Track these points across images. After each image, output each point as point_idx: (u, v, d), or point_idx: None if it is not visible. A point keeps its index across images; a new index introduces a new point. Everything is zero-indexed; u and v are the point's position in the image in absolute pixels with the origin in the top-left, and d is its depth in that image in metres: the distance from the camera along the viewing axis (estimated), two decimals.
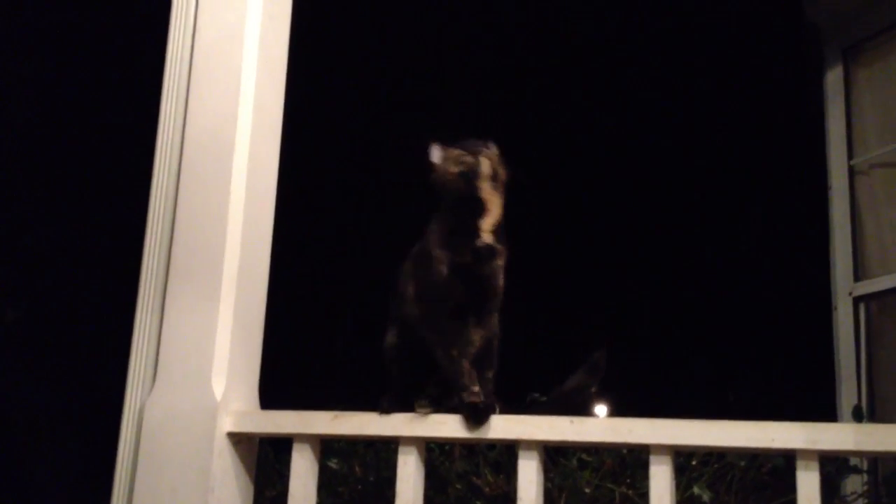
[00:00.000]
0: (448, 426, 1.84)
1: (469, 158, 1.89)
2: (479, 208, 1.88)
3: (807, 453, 1.64)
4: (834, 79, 4.07)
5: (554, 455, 2.29)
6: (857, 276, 3.80)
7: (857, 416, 2.43)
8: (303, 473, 1.87)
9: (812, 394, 3.90)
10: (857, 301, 3.76)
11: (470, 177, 1.87)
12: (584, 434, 1.81)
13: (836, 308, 3.81)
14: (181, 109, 2.14)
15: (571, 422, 1.81)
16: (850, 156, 3.96)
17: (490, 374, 1.91)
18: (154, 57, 2.22)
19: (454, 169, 1.89)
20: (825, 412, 3.61)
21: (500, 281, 1.93)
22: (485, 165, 1.88)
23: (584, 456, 2.35)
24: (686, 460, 2.26)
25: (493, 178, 1.89)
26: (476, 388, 1.82)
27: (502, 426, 1.82)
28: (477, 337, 1.89)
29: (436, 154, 1.94)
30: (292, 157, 2.21)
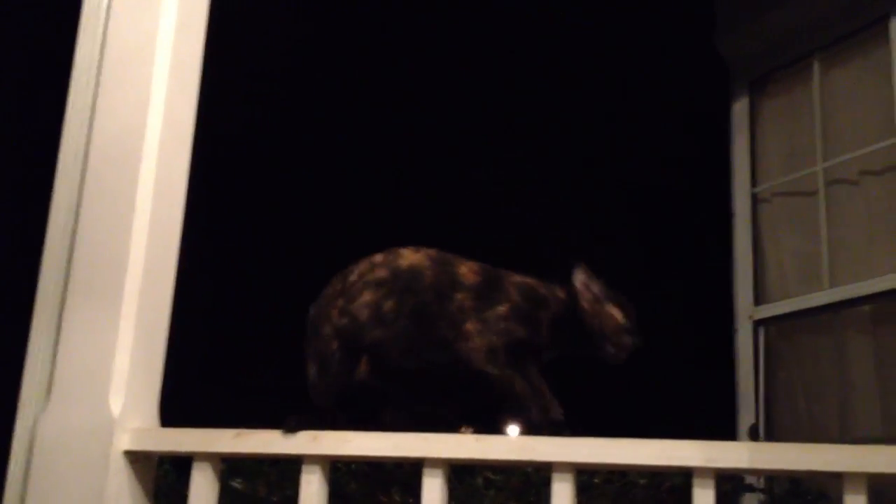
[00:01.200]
0: (353, 444, 1.82)
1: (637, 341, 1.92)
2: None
3: (704, 471, 1.68)
4: (740, 110, 4.21)
5: (460, 474, 2.30)
6: (758, 300, 3.92)
7: (753, 435, 2.50)
8: (203, 493, 1.83)
9: (714, 414, 4.00)
10: (756, 324, 3.88)
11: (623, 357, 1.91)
12: (488, 452, 1.82)
13: (737, 331, 3.93)
14: (87, 119, 2.08)
15: (477, 440, 1.81)
16: (754, 184, 4.09)
17: None
18: (60, 64, 2.16)
19: (625, 340, 1.90)
20: (726, 432, 3.71)
21: None
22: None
23: (489, 475, 2.36)
24: (590, 479, 2.30)
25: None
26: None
27: (408, 444, 1.81)
28: None
29: (580, 281, 1.92)
30: (203, 170, 2.17)
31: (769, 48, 4.08)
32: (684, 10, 4.39)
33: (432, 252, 1.94)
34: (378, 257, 1.93)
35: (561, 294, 1.92)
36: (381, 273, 1.90)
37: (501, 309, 1.87)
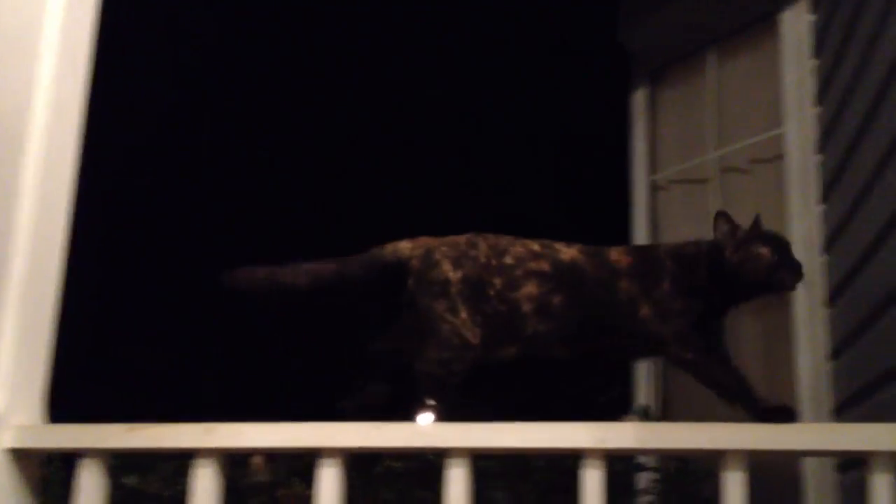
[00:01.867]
0: (247, 436, 1.80)
1: (777, 254, 1.81)
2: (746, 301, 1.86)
3: (594, 452, 1.71)
4: (640, 99, 4.30)
5: (363, 462, 2.30)
6: None
7: (643, 415, 2.56)
8: (90, 491, 1.78)
9: (612, 394, 4.08)
10: None
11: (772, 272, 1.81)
12: (386, 440, 1.82)
13: None
14: None
15: (375, 428, 1.81)
16: (653, 171, 4.19)
17: None
18: None
19: (764, 262, 1.80)
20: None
21: None
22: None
23: (391, 463, 2.37)
24: (488, 463, 2.32)
25: None
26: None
27: (303, 434, 1.80)
28: None
29: (721, 233, 1.86)
30: (94, 156, 2.11)
31: (668, 40, 4.18)
32: (588, 2, 4.46)
33: (580, 245, 1.92)
34: (535, 245, 1.89)
35: (705, 248, 1.86)
36: (544, 265, 1.86)
37: (665, 284, 1.83)
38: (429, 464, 2.37)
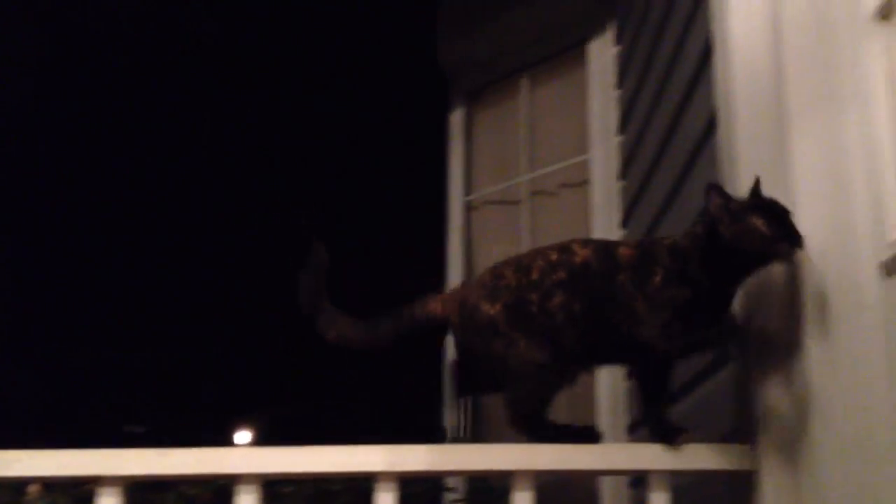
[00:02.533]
0: (22, 465, 1.69)
1: (775, 229, 1.67)
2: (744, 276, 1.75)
3: (387, 475, 1.71)
4: (457, 120, 4.37)
5: (149, 490, 2.20)
6: None
7: (441, 438, 2.59)
8: None
9: (424, 416, 4.12)
10: None
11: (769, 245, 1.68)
12: (172, 467, 1.76)
13: (448, 336, 4.06)
14: None
15: (160, 454, 1.74)
16: (468, 192, 4.26)
17: None
18: None
19: (763, 232, 1.67)
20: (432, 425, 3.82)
21: None
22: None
23: (183, 489, 2.28)
24: (282, 486, 2.28)
25: None
26: None
27: (81, 462, 1.71)
28: None
29: (715, 206, 1.72)
30: None
31: (485, 62, 4.26)
32: (407, 21, 4.49)
33: (597, 241, 1.91)
34: (553, 255, 1.86)
35: (699, 229, 1.77)
36: (562, 274, 1.83)
37: (657, 278, 1.77)
38: (225, 490, 2.29)
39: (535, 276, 1.84)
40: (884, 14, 1.69)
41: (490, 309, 1.84)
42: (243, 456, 1.74)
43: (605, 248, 1.87)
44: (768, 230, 1.66)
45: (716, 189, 1.74)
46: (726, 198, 1.73)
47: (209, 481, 2.27)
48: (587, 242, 1.90)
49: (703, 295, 1.74)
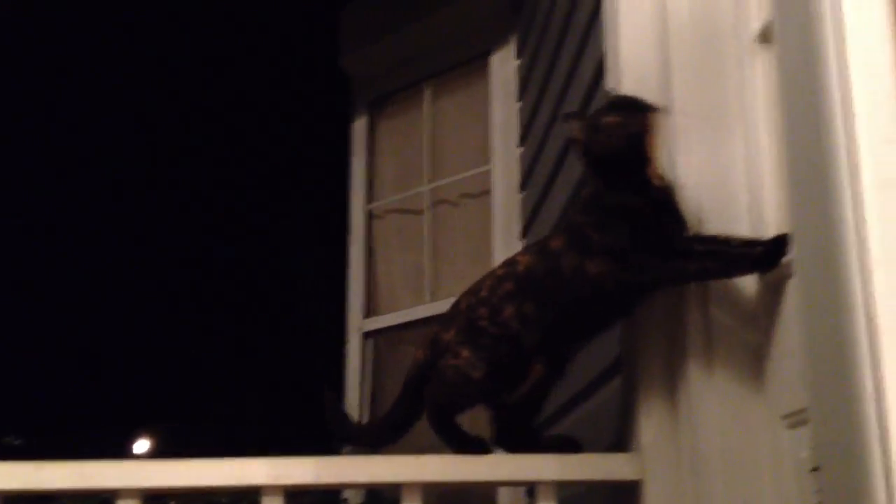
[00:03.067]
0: None
1: (624, 117, 1.73)
2: (643, 162, 1.74)
3: (272, 489, 1.68)
4: (360, 128, 4.34)
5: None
6: (369, 313, 4.07)
7: (337, 448, 2.57)
8: None
9: (322, 426, 4.07)
10: (366, 336, 4.02)
11: (637, 134, 1.73)
12: (50, 481, 1.69)
13: (348, 342, 4.04)
14: None
15: (36, 468, 1.68)
16: (370, 200, 4.24)
17: None
18: None
19: (620, 132, 1.73)
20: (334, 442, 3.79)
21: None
22: (654, 122, 1.74)
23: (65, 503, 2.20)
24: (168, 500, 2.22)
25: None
26: None
27: None
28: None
29: (575, 128, 1.79)
30: None
31: (388, 70, 4.24)
32: (310, 28, 4.45)
33: (534, 245, 1.99)
34: (500, 270, 1.95)
35: (585, 170, 1.86)
36: (508, 286, 1.89)
37: (595, 237, 1.79)
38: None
39: (483, 293, 1.92)
40: (765, 37, 1.75)
41: (445, 333, 1.93)
42: (123, 470, 1.68)
43: (541, 248, 1.94)
44: (621, 118, 1.74)
45: (567, 115, 1.86)
46: (582, 116, 1.84)
47: (90, 496, 2.20)
48: (527, 250, 2.02)
49: (645, 218, 1.76)
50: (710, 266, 1.70)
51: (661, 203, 1.75)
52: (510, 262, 1.95)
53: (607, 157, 1.77)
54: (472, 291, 1.96)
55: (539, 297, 1.85)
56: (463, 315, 1.93)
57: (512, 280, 1.90)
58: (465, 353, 1.88)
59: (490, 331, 1.87)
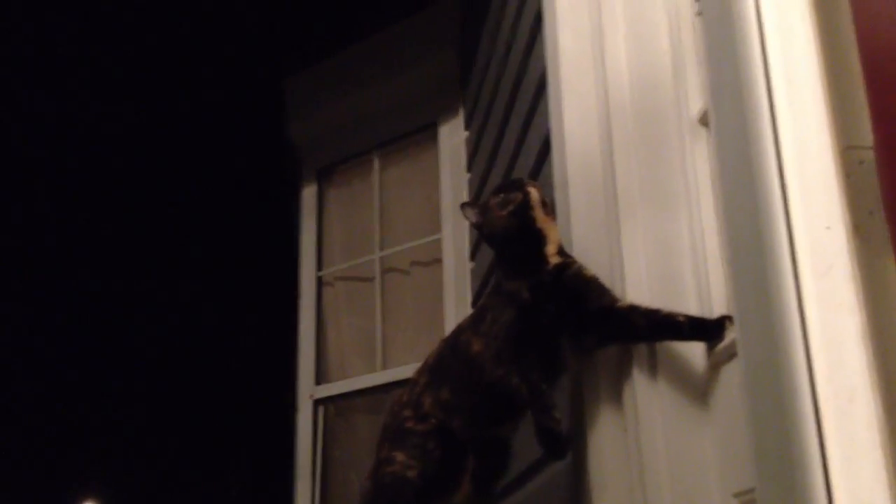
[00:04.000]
0: None
1: (515, 194, 1.83)
2: (538, 238, 1.80)
3: None
4: (308, 196, 4.36)
5: None
6: (319, 380, 4.04)
7: None
8: None
9: (273, 493, 4.02)
10: (316, 403, 3.99)
11: (523, 210, 1.81)
12: None
13: (298, 410, 4.01)
14: None
15: None
16: (319, 267, 4.24)
17: None
18: None
19: (504, 210, 1.82)
20: None
21: (591, 273, 1.82)
22: (535, 195, 1.83)
23: None
24: None
25: (544, 203, 1.84)
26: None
27: None
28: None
29: (470, 214, 1.90)
30: None
31: (335, 139, 4.28)
32: (256, 98, 4.48)
33: (445, 336, 2.02)
34: (417, 369, 1.99)
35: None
36: (424, 379, 1.93)
37: (487, 316, 1.84)
38: None
39: (405, 397, 1.96)
40: (706, 119, 1.81)
41: (382, 452, 1.94)
42: None
43: (454, 332, 1.97)
44: (502, 195, 1.86)
45: (464, 206, 1.95)
46: (474, 203, 1.95)
47: None
48: (441, 340, 2.03)
49: (528, 310, 1.78)
50: (640, 325, 1.71)
51: (558, 284, 1.78)
52: (426, 359, 2.01)
53: (498, 236, 1.87)
54: (395, 402, 1.99)
55: (450, 382, 1.88)
56: (391, 426, 1.95)
57: (426, 372, 1.94)
58: (400, 456, 1.87)
59: (417, 429, 1.88)
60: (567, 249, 1.91)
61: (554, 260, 1.81)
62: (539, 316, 1.77)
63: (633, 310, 1.72)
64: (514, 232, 1.83)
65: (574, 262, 1.82)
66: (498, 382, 1.77)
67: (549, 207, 1.87)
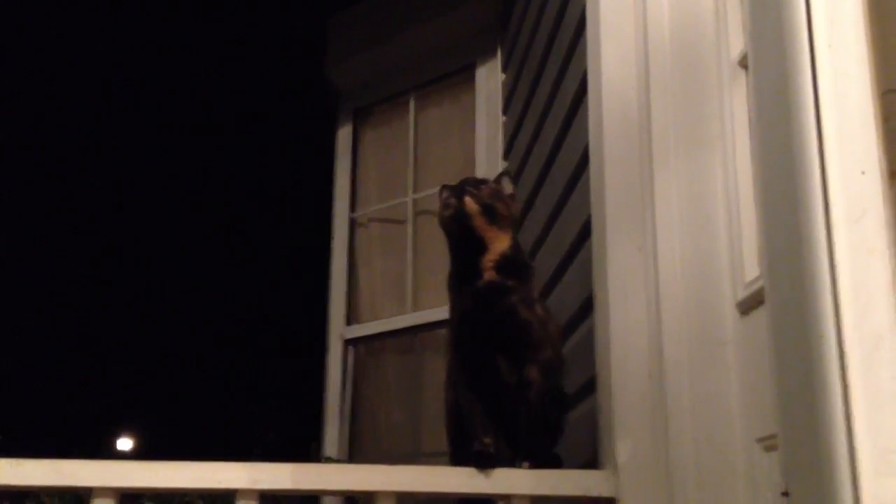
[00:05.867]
0: None
1: (453, 200, 1.84)
2: (477, 246, 1.81)
3: (248, 492, 1.70)
4: (344, 137, 4.36)
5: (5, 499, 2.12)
6: (350, 320, 4.08)
7: (315, 455, 2.58)
8: None
9: (303, 431, 4.09)
10: (347, 343, 4.03)
11: (458, 218, 1.82)
12: (25, 477, 1.70)
13: (329, 349, 4.06)
14: None
15: (11, 464, 1.69)
16: (353, 209, 4.26)
17: (530, 426, 1.81)
18: None
19: (445, 213, 1.85)
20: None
21: (526, 318, 1.82)
22: (470, 205, 1.81)
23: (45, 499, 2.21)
24: (145, 501, 2.23)
25: (487, 213, 1.82)
26: (486, 439, 1.76)
27: None
28: (512, 382, 1.80)
29: (441, 196, 1.91)
30: None
31: (373, 81, 4.27)
32: (296, 37, 4.46)
33: None
34: None
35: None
36: None
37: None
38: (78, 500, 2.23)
39: None
40: (745, 63, 1.78)
41: None
42: (100, 469, 1.69)
43: None
44: (447, 195, 1.89)
45: (443, 189, 1.95)
46: (449, 188, 1.94)
47: (67, 493, 2.20)
48: None
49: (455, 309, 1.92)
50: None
51: (482, 302, 1.83)
52: None
53: (446, 234, 1.92)
54: None
55: None
56: None
57: None
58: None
59: None
60: (600, 197, 1.90)
61: (489, 276, 1.84)
62: (467, 336, 1.88)
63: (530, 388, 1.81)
64: (453, 236, 1.90)
65: (511, 287, 1.84)
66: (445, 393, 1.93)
67: (500, 215, 1.87)
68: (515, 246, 1.90)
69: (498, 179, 2.00)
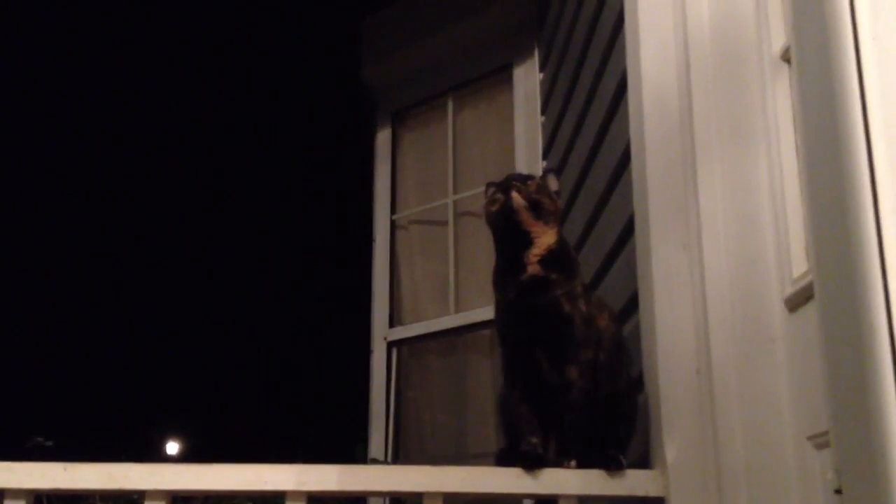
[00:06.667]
0: None
1: (500, 195, 1.86)
2: (522, 241, 1.84)
3: (296, 494, 1.72)
4: (383, 139, 4.37)
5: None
6: (392, 322, 4.10)
7: (360, 457, 2.59)
8: None
9: (347, 433, 4.11)
10: (390, 345, 4.05)
11: (505, 213, 1.84)
12: (78, 481, 1.73)
13: (372, 351, 4.07)
14: None
15: (65, 468, 1.72)
16: (393, 211, 4.27)
17: (573, 430, 1.81)
18: None
19: (492, 208, 1.88)
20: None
21: (569, 312, 1.82)
22: (517, 200, 1.84)
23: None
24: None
25: (534, 208, 1.84)
26: (533, 439, 1.78)
27: None
28: (556, 381, 1.81)
29: (486, 193, 1.94)
30: None
31: (410, 83, 4.28)
32: (332, 41, 4.49)
33: None
34: None
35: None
36: None
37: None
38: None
39: None
40: (789, 55, 1.76)
41: None
42: (150, 472, 1.72)
43: None
44: (494, 192, 1.90)
45: (489, 185, 1.97)
46: (495, 184, 1.95)
47: (119, 496, 2.24)
48: None
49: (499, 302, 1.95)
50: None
51: (525, 295, 1.83)
52: None
53: (492, 229, 1.93)
54: None
55: None
56: None
57: None
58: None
59: None
60: (642, 195, 1.89)
61: (532, 269, 1.84)
62: (511, 333, 1.91)
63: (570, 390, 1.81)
64: (499, 231, 1.90)
65: (554, 280, 1.84)
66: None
67: (546, 210, 1.87)
68: (561, 241, 1.91)
69: (544, 176, 1.99)
